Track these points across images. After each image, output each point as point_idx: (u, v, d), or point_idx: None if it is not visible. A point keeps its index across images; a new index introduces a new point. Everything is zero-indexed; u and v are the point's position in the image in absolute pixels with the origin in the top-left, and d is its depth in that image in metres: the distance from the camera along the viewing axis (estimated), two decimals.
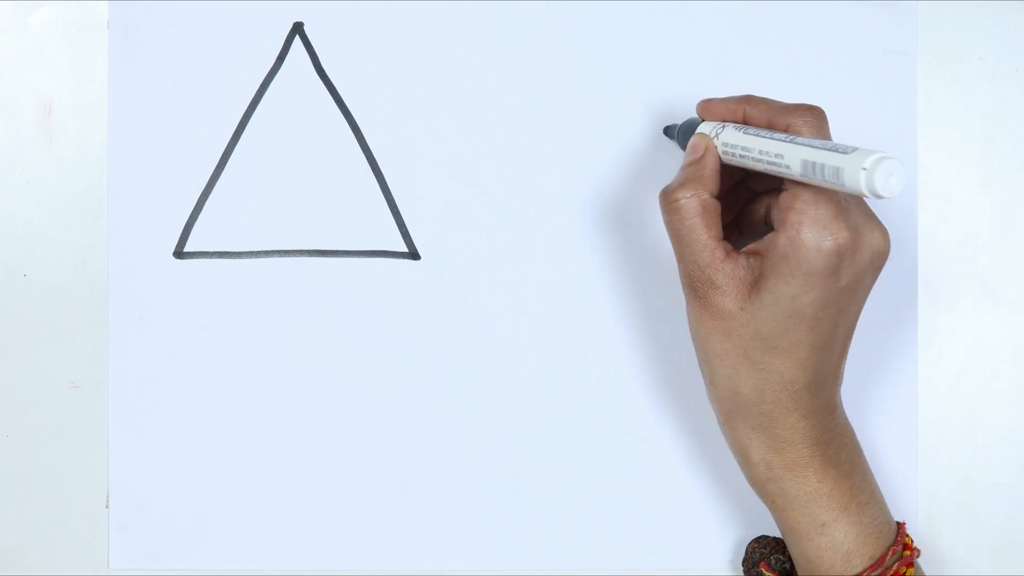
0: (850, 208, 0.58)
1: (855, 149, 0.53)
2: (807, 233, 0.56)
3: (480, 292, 0.68)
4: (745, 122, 0.60)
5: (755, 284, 0.58)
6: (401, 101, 0.68)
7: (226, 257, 0.68)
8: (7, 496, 0.68)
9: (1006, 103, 0.69)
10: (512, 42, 0.68)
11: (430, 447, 0.68)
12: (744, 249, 0.59)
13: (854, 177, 0.52)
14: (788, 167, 0.56)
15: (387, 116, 0.68)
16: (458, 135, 0.68)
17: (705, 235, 0.59)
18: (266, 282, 0.68)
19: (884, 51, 0.68)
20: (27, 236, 0.68)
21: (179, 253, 0.68)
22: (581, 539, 0.68)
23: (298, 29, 0.68)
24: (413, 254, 0.68)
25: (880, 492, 0.62)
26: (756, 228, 0.64)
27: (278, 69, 0.68)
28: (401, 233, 0.68)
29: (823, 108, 0.59)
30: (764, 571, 0.64)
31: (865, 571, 0.59)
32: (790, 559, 0.64)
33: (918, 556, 0.61)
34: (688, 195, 0.59)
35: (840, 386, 0.61)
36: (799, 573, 0.62)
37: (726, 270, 0.58)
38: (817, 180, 0.54)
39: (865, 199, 0.59)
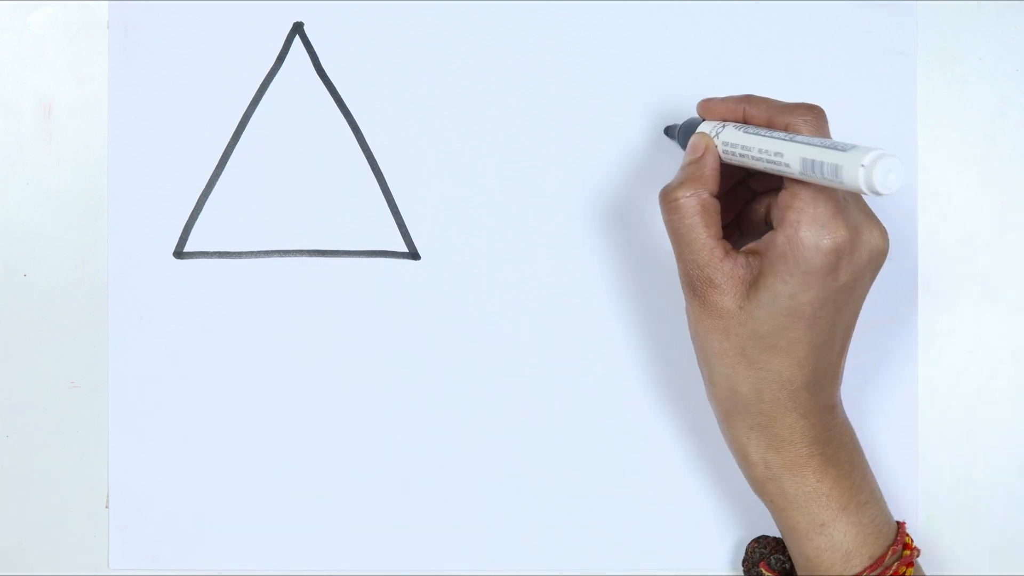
0: (849, 207, 0.58)
1: (854, 147, 0.53)
2: (805, 232, 0.56)
3: (480, 292, 0.68)
4: (745, 121, 0.60)
5: (754, 283, 0.58)
6: (401, 101, 0.68)
7: (226, 257, 0.68)
8: (7, 496, 0.68)
9: (1006, 103, 0.69)
10: (512, 42, 0.68)
11: (430, 447, 0.68)
12: (743, 248, 0.60)
13: (853, 174, 0.52)
14: (787, 165, 0.56)
15: (387, 116, 0.68)
16: (458, 135, 0.68)
17: (704, 234, 0.59)
18: (266, 282, 0.68)
19: (884, 51, 0.68)
20: (27, 236, 0.68)
21: (179, 253, 0.68)
22: (581, 539, 0.68)
23: (298, 29, 0.68)
24: (413, 254, 0.68)
25: (880, 491, 0.62)
26: (756, 228, 0.64)
27: (278, 69, 0.68)
28: (401, 233, 0.68)
29: (823, 107, 0.59)
30: (764, 571, 0.64)
31: (865, 571, 0.59)
32: (790, 559, 0.64)
33: (918, 556, 0.61)
34: (688, 194, 0.59)
35: (839, 385, 0.61)
36: (799, 573, 0.62)
37: (725, 269, 0.58)
38: (816, 178, 0.54)
39: (864, 197, 0.59)
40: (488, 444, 0.68)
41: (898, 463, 0.68)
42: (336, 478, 0.68)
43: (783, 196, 0.57)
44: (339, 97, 0.68)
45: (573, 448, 0.68)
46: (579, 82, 0.68)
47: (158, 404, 0.68)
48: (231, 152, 0.68)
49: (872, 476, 0.62)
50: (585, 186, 0.68)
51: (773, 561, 0.65)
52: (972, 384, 0.69)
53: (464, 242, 0.68)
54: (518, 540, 0.68)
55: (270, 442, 0.68)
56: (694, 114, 0.64)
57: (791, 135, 0.57)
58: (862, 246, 0.57)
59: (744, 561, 0.66)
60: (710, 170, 0.60)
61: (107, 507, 0.68)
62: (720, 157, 0.60)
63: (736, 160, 0.59)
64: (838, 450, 0.60)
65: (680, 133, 0.64)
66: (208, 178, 0.68)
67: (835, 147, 0.54)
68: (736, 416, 0.60)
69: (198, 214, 0.68)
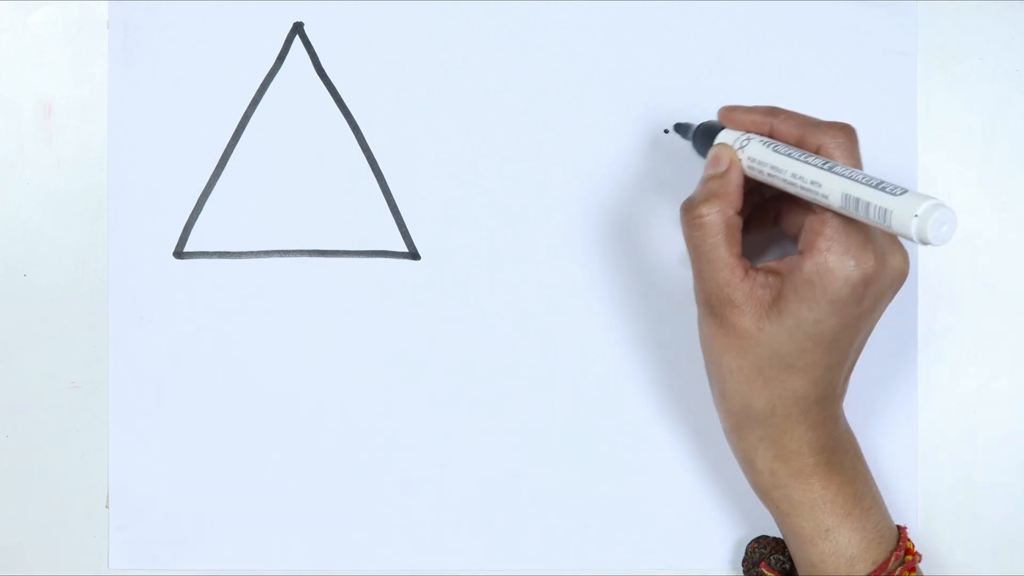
0: (876, 233, 0.57)
1: (904, 191, 0.52)
2: (835, 261, 0.55)
3: (480, 292, 0.68)
4: (771, 135, 0.59)
5: (774, 304, 0.57)
6: (401, 101, 0.68)
7: (226, 257, 0.68)
8: (7, 496, 0.68)
9: (1006, 103, 0.69)
10: (512, 42, 0.68)
11: (430, 447, 0.68)
12: (762, 266, 0.59)
13: (904, 222, 0.52)
14: (826, 196, 0.55)
15: (387, 116, 0.68)
16: (458, 135, 0.68)
17: (727, 253, 0.58)
18: (266, 282, 0.68)
19: (884, 51, 0.68)
20: (27, 236, 0.68)
21: (179, 253, 0.68)
22: (581, 539, 0.68)
23: (298, 29, 0.68)
24: (413, 254, 0.68)
25: (881, 497, 0.62)
26: (762, 230, 0.63)
27: (278, 69, 0.68)
28: (401, 233, 0.68)
29: (853, 127, 0.58)
30: (764, 571, 0.64)
31: (869, 575, 0.60)
32: (790, 559, 0.64)
33: (919, 561, 0.61)
34: (713, 211, 0.58)
35: (843, 395, 0.61)
36: None
37: (746, 289, 0.58)
38: (859, 216, 0.54)
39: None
40: (488, 444, 0.68)
41: (898, 463, 0.68)
42: (336, 478, 0.68)
43: (812, 221, 0.56)
44: (339, 97, 0.68)
45: (573, 448, 0.68)
46: (579, 82, 0.68)
47: (158, 404, 0.68)
48: (231, 152, 0.68)
49: (874, 482, 0.62)
50: (585, 186, 0.68)
51: (773, 561, 0.65)
52: (972, 384, 0.69)
53: (464, 242, 0.68)
54: (518, 540, 0.68)
55: (270, 442, 0.68)
56: (704, 115, 0.63)
57: (828, 163, 0.56)
58: (887, 272, 0.57)
59: (744, 561, 0.66)
60: (735, 187, 0.59)
61: (107, 507, 0.68)
62: (744, 172, 0.59)
63: (763, 179, 0.58)
64: (842, 457, 0.60)
65: (697, 136, 0.63)
66: (208, 178, 0.68)
67: (884, 188, 0.53)
68: (746, 428, 0.60)
69: (198, 214, 0.68)
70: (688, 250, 0.59)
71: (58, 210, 0.68)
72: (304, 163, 0.68)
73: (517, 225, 0.68)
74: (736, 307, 0.58)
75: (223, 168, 0.68)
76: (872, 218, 0.53)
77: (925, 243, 0.52)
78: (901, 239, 0.56)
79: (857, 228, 0.56)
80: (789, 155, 0.57)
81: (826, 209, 0.56)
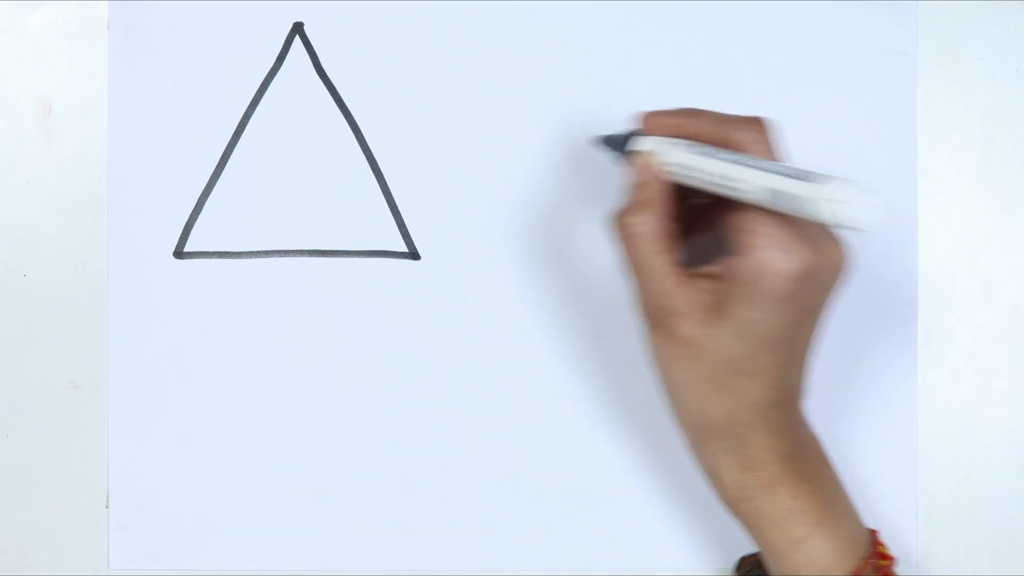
0: (808, 225, 0.55)
1: (828, 179, 0.51)
2: (770, 258, 0.54)
3: (480, 292, 0.68)
4: (689, 137, 0.58)
5: (717, 309, 0.56)
6: (401, 101, 0.68)
7: (226, 257, 0.68)
8: (7, 496, 0.68)
9: (1006, 103, 0.69)
10: (512, 42, 0.68)
11: (430, 447, 0.68)
12: (701, 271, 0.58)
13: (829, 210, 0.51)
14: (751, 193, 0.54)
15: (387, 116, 0.68)
16: (458, 135, 0.68)
17: (661, 261, 0.57)
18: (266, 282, 0.68)
19: (884, 51, 0.68)
20: (27, 236, 0.68)
21: (179, 253, 0.68)
22: (581, 539, 0.68)
23: (298, 29, 0.68)
24: (413, 254, 0.68)
25: (852, 501, 0.61)
26: (704, 235, 0.61)
27: (278, 69, 0.68)
28: (401, 233, 0.68)
29: (766, 111, 0.57)
30: None
31: None
32: None
33: (895, 564, 0.60)
34: (642, 220, 0.57)
35: (805, 398, 0.60)
36: None
37: (686, 296, 0.56)
38: (785, 208, 0.53)
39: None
40: (488, 444, 0.68)
41: (898, 463, 0.68)
42: (336, 478, 0.68)
43: (740, 219, 0.55)
44: (339, 97, 0.68)
45: (573, 448, 0.68)
46: (579, 82, 0.68)
47: (158, 404, 0.68)
48: (231, 152, 0.68)
49: (843, 487, 0.61)
50: (585, 186, 0.68)
51: None
52: (972, 384, 0.69)
53: (464, 242, 0.68)
54: (518, 540, 0.68)
55: (270, 442, 0.68)
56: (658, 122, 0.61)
57: (751, 159, 0.55)
58: (826, 265, 0.56)
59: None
60: (660, 193, 0.57)
61: (107, 507, 0.68)
62: (668, 177, 0.58)
63: (688, 182, 0.57)
64: (808, 464, 0.59)
65: (618, 146, 0.61)
66: (208, 178, 0.68)
67: (807, 179, 0.52)
68: (708, 441, 0.59)
69: (198, 214, 0.68)
70: (622, 263, 0.58)
71: (58, 210, 0.68)
72: (304, 163, 0.68)
73: (517, 225, 0.68)
74: (679, 315, 0.56)
75: (223, 168, 0.68)
76: (798, 209, 0.52)
77: (852, 228, 0.51)
78: (845, 231, 0.55)
79: (790, 222, 0.54)
80: (709, 155, 0.56)
81: (756, 207, 0.55)
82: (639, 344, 0.68)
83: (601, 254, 0.68)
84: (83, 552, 0.68)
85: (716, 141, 0.57)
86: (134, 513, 0.68)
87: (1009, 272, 0.69)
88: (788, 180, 0.52)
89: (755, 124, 0.57)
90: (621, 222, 0.57)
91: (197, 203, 0.68)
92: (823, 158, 0.68)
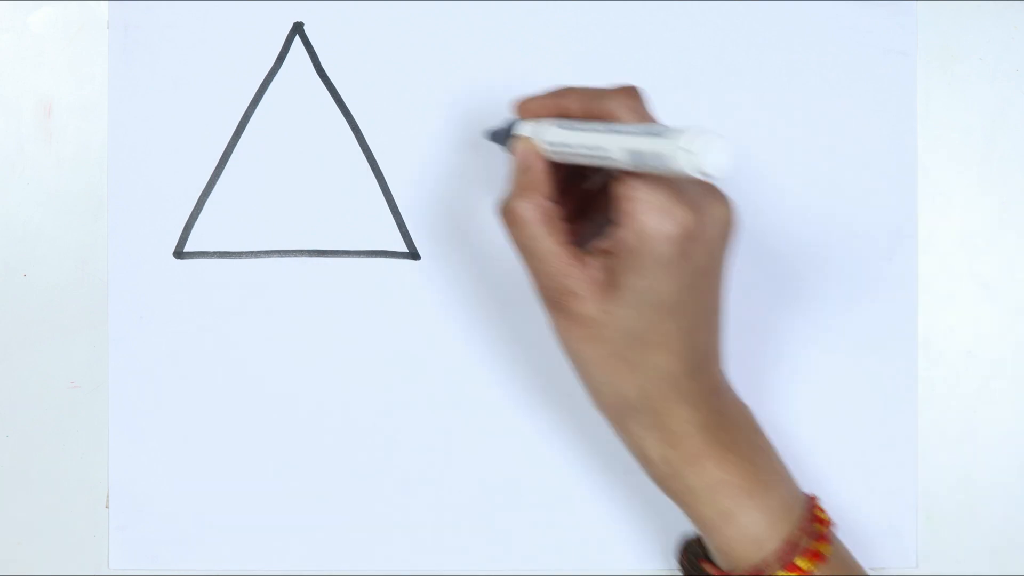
0: (686, 184, 0.55)
1: (677, 131, 0.51)
2: (649, 221, 0.54)
3: (480, 292, 0.68)
4: (563, 115, 0.58)
5: (610, 283, 0.56)
6: (401, 101, 0.68)
7: (226, 257, 0.68)
8: (7, 496, 0.68)
9: (1006, 103, 0.69)
10: (512, 42, 0.68)
11: (430, 447, 0.68)
12: (591, 248, 0.57)
13: (681, 161, 0.50)
14: (614, 159, 0.54)
15: (387, 116, 0.68)
16: (458, 135, 0.68)
17: (551, 242, 0.56)
18: (266, 282, 0.68)
19: (884, 51, 0.68)
20: (27, 236, 0.68)
21: (179, 253, 0.68)
22: (581, 539, 0.68)
23: (298, 29, 0.68)
24: (413, 254, 0.68)
25: (787, 470, 0.60)
26: (601, 211, 0.60)
27: (278, 69, 0.68)
28: (401, 233, 0.68)
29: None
30: (708, 570, 0.62)
31: (776, 554, 0.57)
32: None
33: (834, 528, 0.59)
34: (526, 205, 0.57)
35: (721, 365, 0.59)
36: (719, 566, 0.60)
37: (580, 275, 0.56)
38: (648, 168, 0.52)
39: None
40: (488, 444, 0.68)
41: (898, 463, 0.68)
42: (336, 478, 0.68)
43: (617, 188, 0.55)
44: (339, 97, 0.68)
45: (573, 448, 0.68)
46: (579, 82, 0.68)
47: (158, 404, 0.68)
48: (231, 152, 0.68)
49: (776, 455, 0.60)
50: None
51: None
52: (972, 384, 0.69)
53: (464, 242, 0.68)
54: (518, 540, 0.68)
55: (270, 442, 0.68)
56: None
57: (611, 125, 0.54)
58: (709, 223, 0.55)
59: (679, 560, 0.65)
60: (542, 175, 0.57)
61: (107, 507, 0.68)
62: (549, 158, 0.57)
63: (564, 159, 0.57)
64: (734, 433, 0.59)
65: (503, 137, 0.61)
66: (208, 178, 0.68)
67: (659, 134, 0.51)
68: (627, 419, 0.58)
69: (198, 214, 0.68)
70: (514, 250, 0.58)
71: (58, 210, 0.68)
72: (304, 163, 0.68)
73: None
74: (576, 295, 0.56)
75: (223, 168, 0.68)
76: (654, 165, 0.52)
77: (705, 176, 0.50)
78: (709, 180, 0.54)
79: (664, 185, 0.54)
80: (577, 129, 0.56)
81: (629, 174, 0.54)
82: None
83: None
84: (83, 552, 0.68)
85: (591, 115, 0.57)
86: (134, 513, 0.68)
87: (1009, 272, 0.69)
88: (645, 139, 0.52)
89: (625, 92, 0.56)
90: (506, 208, 0.57)
91: (197, 203, 0.68)
92: (823, 158, 0.68)
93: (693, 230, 0.54)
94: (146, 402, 0.68)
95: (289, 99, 0.68)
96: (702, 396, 0.58)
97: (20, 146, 0.68)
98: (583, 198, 0.61)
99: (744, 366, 0.68)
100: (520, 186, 0.57)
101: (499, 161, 0.68)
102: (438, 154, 0.68)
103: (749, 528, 0.58)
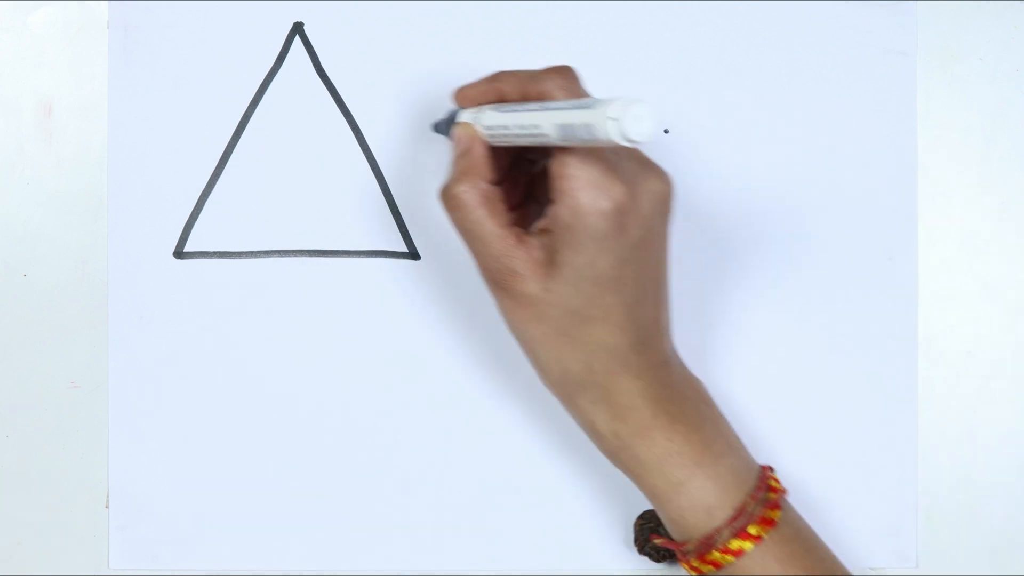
0: (621, 160, 0.56)
1: (601, 101, 0.51)
2: (583, 197, 0.55)
3: (480, 292, 0.68)
4: (500, 99, 0.59)
5: (549, 261, 0.56)
6: (401, 101, 0.68)
7: (226, 257, 0.68)
8: (7, 496, 0.68)
9: (1006, 103, 0.69)
10: (512, 42, 0.68)
11: (430, 447, 0.68)
12: (532, 229, 0.58)
13: (605, 129, 0.51)
14: (547, 135, 0.54)
15: (387, 116, 0.68)
16: None
17: (492, 225, 0.57)
18: (266, 282, 0.68)
19: (884, 51, 0.68)
20: (27, 236, 0.68)
21: (179, 253, 0.68)
22: (582, 539, 0.68)
23: (298, 29, 0.68)
24: (413, 254, 0.68)
25: (738, 440, 0.61)
26: (542, 192, 0.61)
27: (278, 69, 0.68)
28: (401, 233, 0.68)
29: (572, 68, 0.57)
30: (657, 543, 0.63)
31: (727, 522, 0.58)
32: None
33: (784, 494, 0.60)
34: (465, 188, 0.58)
35: (667, 338, 0.60)
36: (673, 537, 0.61)
37: (521, 255, 0.57)
38: (577, 141, 0.53)
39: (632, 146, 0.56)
40: (488, 444, 0.68)
41: (898, 463, 0.68)
42: (336, 478, 0.68)
43: (553, 166, 0.56)
44: (339, 97, 0.68)
45: (573, 448, 0.68)
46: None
47: (158, 404, 0.68)
48: (231, 152, 0.68)
49: (727, 425, 0.61)
50: None
51: (663, 531, 0.63)
52: (972, 384, 0.69)
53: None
54: (518, 540, 0.68)
55: (270, 442, 0.68)
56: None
57: (546, 104, 0.55)
58: (644, 196, 0.56)
59: (635, 541, 0.66)
60: (481, 159, 0.58)
61: (107, 507, 0.68)
62: (488, 142, 0.59)
63: (502, 141, 0.58)
64: (682, 405, 0.59)
65: (446, 127, 0.62)
66: (208, 178, 0.68)
67: (584, 106, 0.52)
68: (576, 395, 0.59)
69: (198, 214, 0.68)
70: (458, 234, 0.59)
71: (58, 210, 0.68)
72: (304, 163, 0.68)
73: None
74: (518, 275, 0.57)
75: (223, 168, 0.68)
76: (583, 137, 0.52)
77: (631, 142, 0.51)
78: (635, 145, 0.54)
79: (596, 160, 0.55)
80: (513, 110, 0.57)
81: (562, 150, 0.55)
82: None
83: None
84: (83, 552, 0.68)
85: (527, 97, 0.57)
86: (134, 513, 0.68)
87: (1009, 272, 0.69)
88: (574, 112, 0.53)
89: (559, 72, 0.57)
90: (447, 193, 0.58)
91: (197, 203, 0.68)
92: (823, 158, 0.68)
93: (627, 204, 0.55)
94: (146, 402, 0.68)
95: (289, 99, 0.68)
96: (649, 369, 0.58)
97: (20, 146, 0.68)
98: (530, 183, 0.61)
99: (744, 366, 0.68)
100: (460, 170, 0.58)
101: None
102: (438, 154, 0.68)
103: (699, 497, 0.58)
